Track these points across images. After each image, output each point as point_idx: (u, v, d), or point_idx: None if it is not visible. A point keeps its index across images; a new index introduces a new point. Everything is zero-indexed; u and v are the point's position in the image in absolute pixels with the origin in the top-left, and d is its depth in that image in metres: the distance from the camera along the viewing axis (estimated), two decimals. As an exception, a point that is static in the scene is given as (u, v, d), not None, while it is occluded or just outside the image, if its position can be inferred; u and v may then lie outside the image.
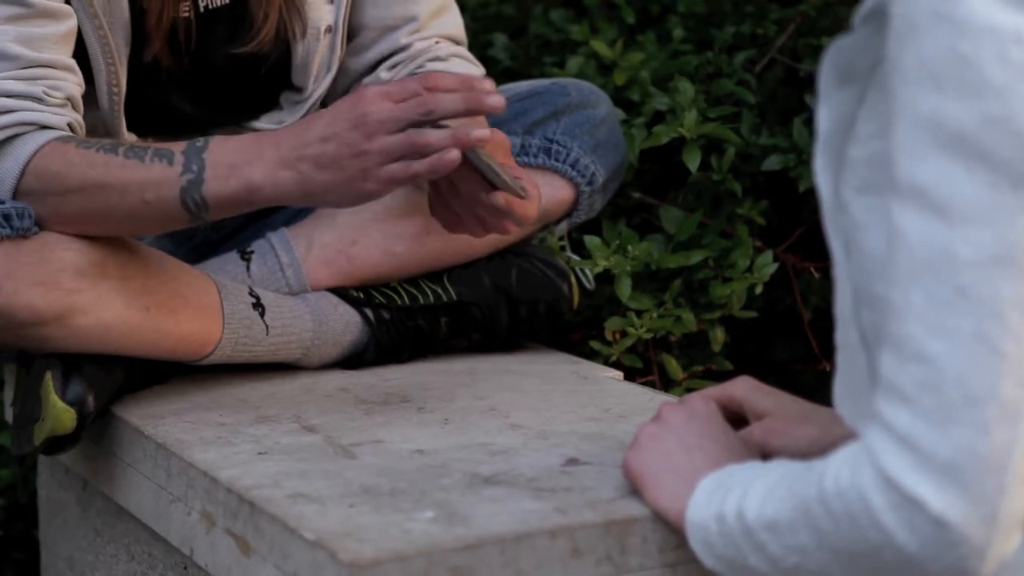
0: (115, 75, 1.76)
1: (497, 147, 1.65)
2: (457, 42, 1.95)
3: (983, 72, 1.03)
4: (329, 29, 1.85)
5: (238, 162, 1.54)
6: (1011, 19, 1.03)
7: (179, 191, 1.56)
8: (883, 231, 1.10)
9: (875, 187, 1.12)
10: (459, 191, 1.64)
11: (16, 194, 1.62)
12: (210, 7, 1.80)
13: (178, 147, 1.58)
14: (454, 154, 1.49)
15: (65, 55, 1.68)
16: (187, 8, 1.78)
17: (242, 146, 1.55)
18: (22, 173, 1.62)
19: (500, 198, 1.62)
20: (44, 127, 1.64)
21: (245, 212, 1.60)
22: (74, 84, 1.69)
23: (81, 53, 1.72)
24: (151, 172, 1.57)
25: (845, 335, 1.17)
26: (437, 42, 1.90)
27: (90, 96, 1.75)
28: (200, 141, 1.57)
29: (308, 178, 1.51)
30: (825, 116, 1.17)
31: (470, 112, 1.51)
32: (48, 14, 1.67)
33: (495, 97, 1.51)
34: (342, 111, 1.51)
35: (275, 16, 1.81)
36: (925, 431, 1.04)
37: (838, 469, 1.10)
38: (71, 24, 1.69)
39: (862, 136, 1.14)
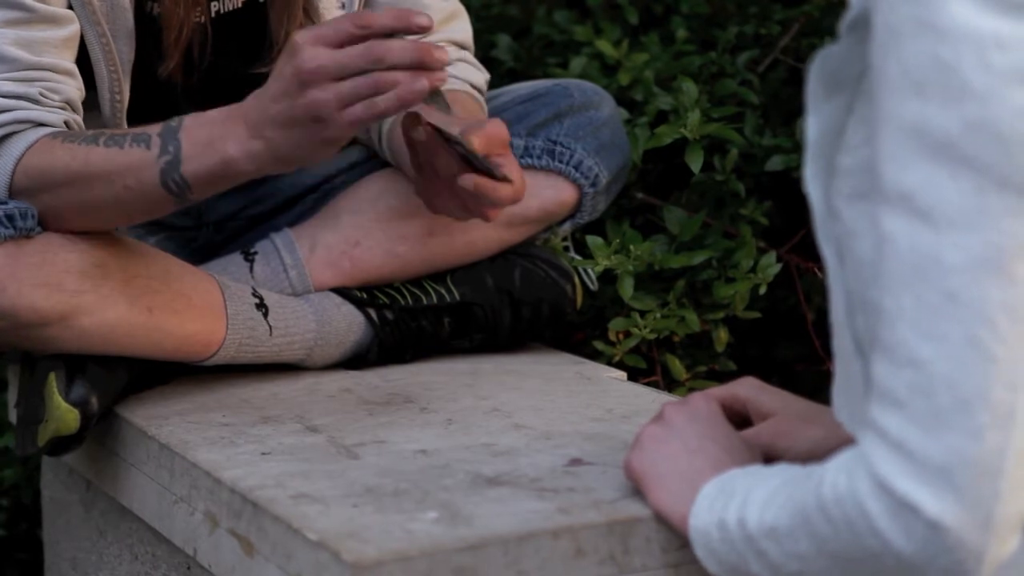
0: (117, 83, 1.75)
1: (494, 140, 1.64)
2: (464, 48, 1.95)
3: (965, 77, 1.02)
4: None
5: (213, 138, 1.52)
6: (991, 24, 1.02)
7: (159, 173, 1.54)
8: (875, 237, 1.10)
9: (866, 194, 1.12)
10: (437, 169, 1.63)
11: (12, 192, 1.62)
12: (222, 11, 1.79)
13: (154, 129, 1.56)
14: (421, 83, 1.44)
15: (66, 59, 1.68)
16: (199, 13, 1.78)
17: (216, 121, 1.53)
18: (14, 171, 1.62)
19: (468, 180, 1.61)
20: (40, 125, 1.64)
21: (229, 187, 1.58)
22: (73, 88, 1.69)
23: (85, 60, 1.72)
24: (130, 157, 1.56)
25: (841, 342, 1.17)
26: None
27: (92, 102, 1.75)
28: (175, 121, 1.56)
29: (275, 142, 1.49)
30: (814, 125, 1.17)
31: (419, 62, 1.45)
32: (49, 19, 1.66)
33: (422, 18, 1.46)
34: (281, 66, 1.49)
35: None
36: (918, 436, 1.04)
37: (835, 476, 1.10)
38: (73, 29, 1.69)
39: (852, 144, 1.14)
